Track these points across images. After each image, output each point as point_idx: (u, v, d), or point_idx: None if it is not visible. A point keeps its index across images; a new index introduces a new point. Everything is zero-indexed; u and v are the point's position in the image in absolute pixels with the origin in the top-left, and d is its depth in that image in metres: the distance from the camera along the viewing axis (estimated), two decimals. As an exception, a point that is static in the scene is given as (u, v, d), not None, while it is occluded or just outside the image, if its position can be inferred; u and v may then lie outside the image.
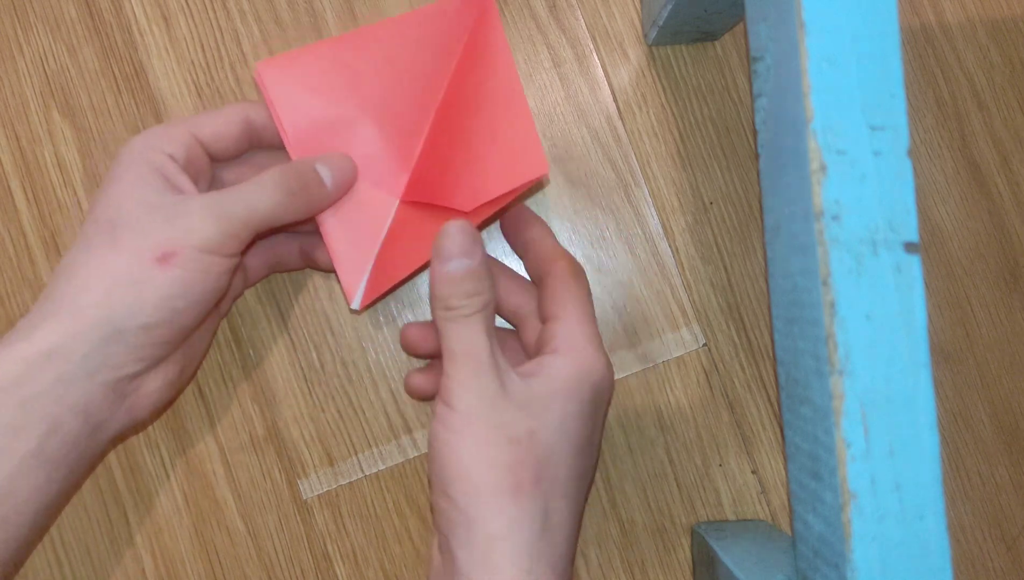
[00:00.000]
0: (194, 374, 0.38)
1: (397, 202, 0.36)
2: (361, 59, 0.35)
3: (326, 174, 0.34)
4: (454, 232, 0.31)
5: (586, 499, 0.35)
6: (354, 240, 0.36)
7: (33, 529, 0.31)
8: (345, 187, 0.35)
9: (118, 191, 0.32)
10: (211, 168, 0.35)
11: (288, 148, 0.35)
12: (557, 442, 0.30)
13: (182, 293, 0.31)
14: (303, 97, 0.35)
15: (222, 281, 0.32)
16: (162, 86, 0.40)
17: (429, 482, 0.31)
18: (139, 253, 0.30)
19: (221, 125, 0.34)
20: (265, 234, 0.35)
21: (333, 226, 0.35)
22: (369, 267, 0.36)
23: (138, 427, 0.38)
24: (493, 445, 0.30)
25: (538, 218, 0.37)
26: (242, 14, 0.40)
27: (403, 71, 0.36)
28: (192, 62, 0.40)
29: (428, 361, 0.38)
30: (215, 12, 0.40)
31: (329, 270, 0.38)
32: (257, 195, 0.32)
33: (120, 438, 0.38)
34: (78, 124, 0.40)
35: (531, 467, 0.30)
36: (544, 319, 0.34)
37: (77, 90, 0.40)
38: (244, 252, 0.33)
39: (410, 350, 0.38)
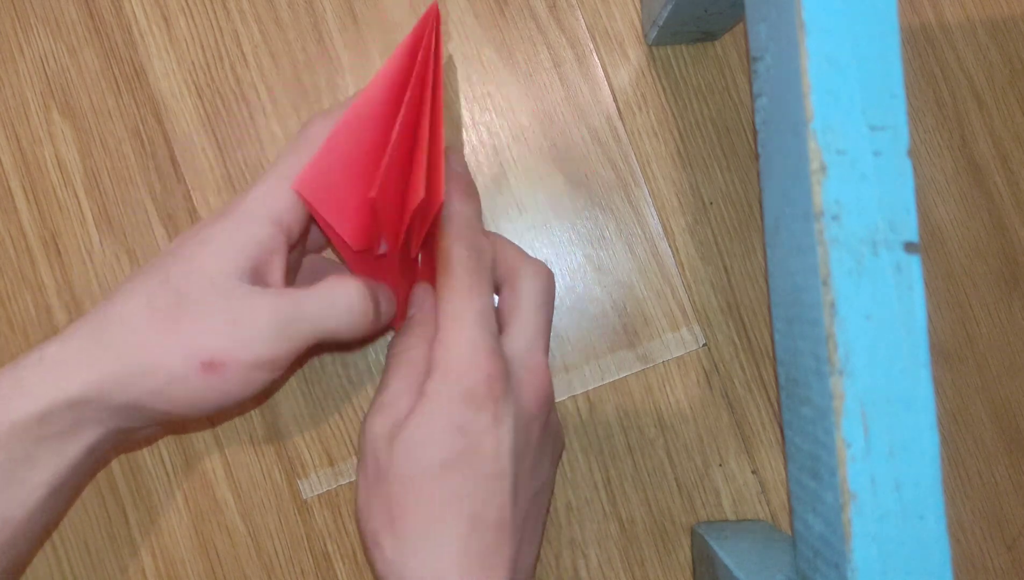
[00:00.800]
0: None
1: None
2: (371, 121, 0.32)
3: (385, 307, 0.33)
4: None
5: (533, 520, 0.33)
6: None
7: (35, 545, 0.32)
8: (390, 319, 0.34)
9: (204, 250, 0.30)
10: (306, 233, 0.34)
11: (346, 252, 0.33)
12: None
13: (216, 399, 0.30)
14: (341, 195, 0.32)
15: (262, 389, 0.31)
16: (162, 86, 0.40)
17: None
18: (187, 350, 0.29)
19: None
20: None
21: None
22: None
23: (127, 450, 0.39)
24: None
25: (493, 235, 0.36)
26: (242, 14, 0.40)
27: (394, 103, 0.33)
28: (192, 62, 0.40)
29: None
30: (215, 12, 0.40)
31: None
32: (327, 313, 0.30)
33: (103, 463, 0.39)
34: (78, 124, 0.40)
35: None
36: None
37: (77, 91, 0.40)
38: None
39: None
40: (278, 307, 0.30)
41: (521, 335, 0.32)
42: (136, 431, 0.32)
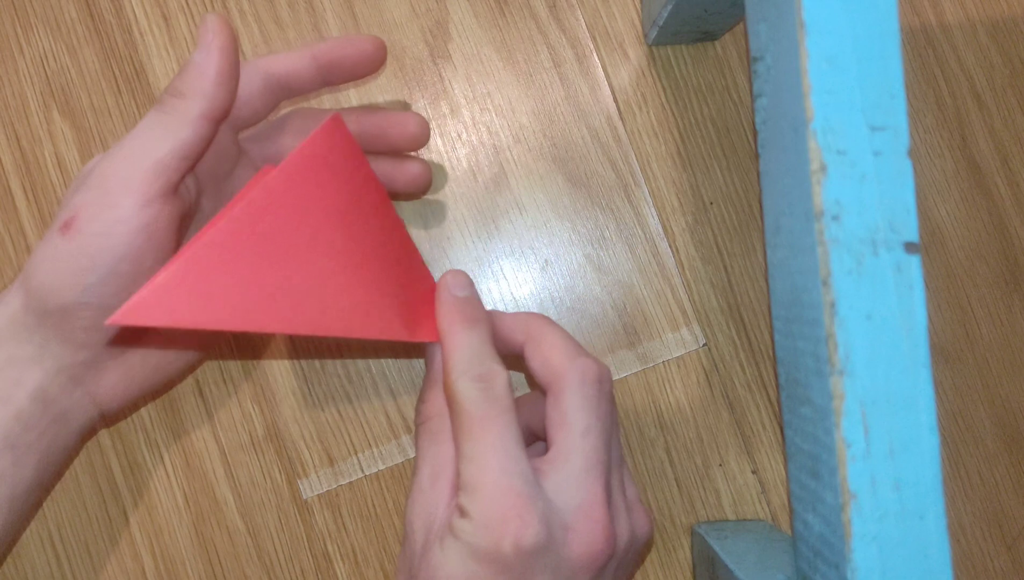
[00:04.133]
0: (185, 372, 0.37)
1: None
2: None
3: (195, 55, 0.29)
4: (458, 273, 0.32)
5: None
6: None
7: (9, 517, 0.30)
8: (222, 53, 0.29)
9: (89, 163, 0.31)
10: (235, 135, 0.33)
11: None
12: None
13: (89, 265, 0.28)
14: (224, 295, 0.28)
15: (139, 247, 0.28)
16: (162, 86, 0.40)
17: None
18: (52, 227, 0.29)
19: (294, 60, 0.32)
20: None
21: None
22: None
23: (110, 421, 0.38)
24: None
25: (552, 326, 0.32)
26: (242, 14, 0.40)
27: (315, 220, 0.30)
28: (192, 62, 0.40)
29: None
30: (215, 12, 0.40)
31: (413, 191, 0.37)
32: (142, 132, 0.29)
33: (91, 431, 0.37)
34: (78, 124, 0.40)
35: None
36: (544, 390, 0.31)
37: (77, 90, 0.40)
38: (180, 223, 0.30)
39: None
40: (113, 167, 0.29)
41: (566, 467, 0.28)
42: (80, 369, 0.30)
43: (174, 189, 0.29)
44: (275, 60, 0.32)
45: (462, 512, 0.27)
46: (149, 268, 0.29)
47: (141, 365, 0.32)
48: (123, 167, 0.29)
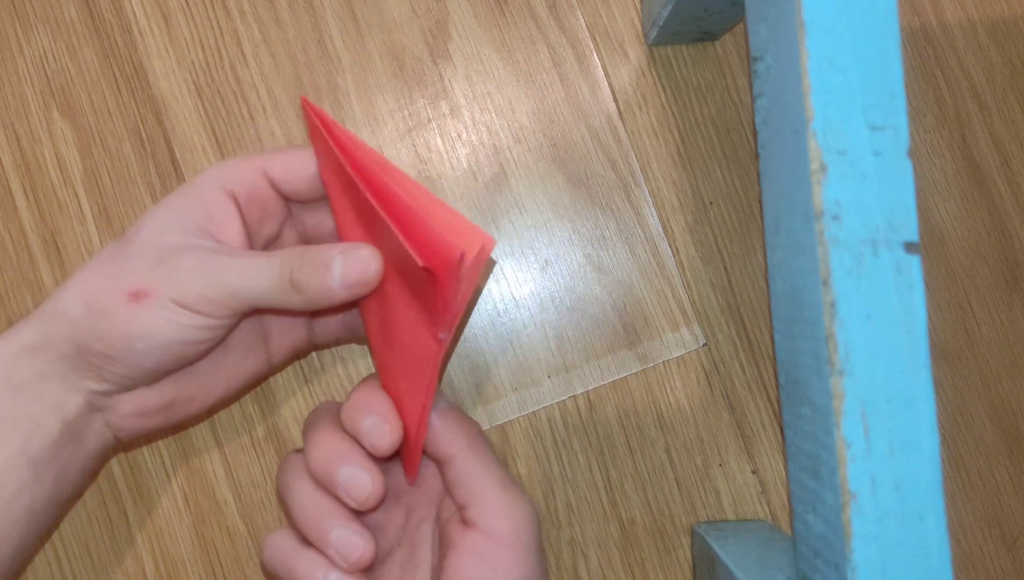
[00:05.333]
0: (209, 411, 0.38)
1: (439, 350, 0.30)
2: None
3: (338, 271, 0.30)
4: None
5: None
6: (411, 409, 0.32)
7: (27, 530, 0.31)
8: (356, 289, 0.30)
9: (155, 215, 0.31)
10: (285, 208, 0.34)
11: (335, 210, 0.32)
12: None
13: (143, 335, 0.30)
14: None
15: (198, 337, 0.31)
16: (162, 86, 0.40)
17: None
18: (119, 283, 0.30)
19: (296, 164, 0.33)
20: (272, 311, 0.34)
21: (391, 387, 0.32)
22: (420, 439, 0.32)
23: (124, 448, 0.38)
24: None
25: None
26: (242, 14, 0.40)
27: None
28: (192, 62, 0.40)
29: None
30: (215, 12, 0.40)
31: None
32: (255, 275, 0.30)
33: (106, 456, 0.37)
34: (78, 124, 0.40)
35: None
36: (457, 502, 0.33)
37: (77, 90, 0.40)
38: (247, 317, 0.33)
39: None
40: (206, 258, 0.30)
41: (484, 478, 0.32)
42: (109, 406, 0.32)
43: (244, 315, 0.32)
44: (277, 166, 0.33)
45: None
46: (201, 354, 0.32)
47: (156, 399, 0.33)
48: (209, 287, 0.30)
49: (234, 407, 0.39)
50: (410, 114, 0.40)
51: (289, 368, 0.39)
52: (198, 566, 0.38)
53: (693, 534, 0.38)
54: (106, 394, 0.32)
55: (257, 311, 0.33)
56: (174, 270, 0.30)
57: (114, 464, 0.38)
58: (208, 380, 0.34)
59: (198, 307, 0.30)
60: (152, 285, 0.30)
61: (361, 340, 0.38)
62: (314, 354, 0.39)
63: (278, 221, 0.34)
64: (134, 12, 0.40)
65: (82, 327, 0.30)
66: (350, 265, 0.30)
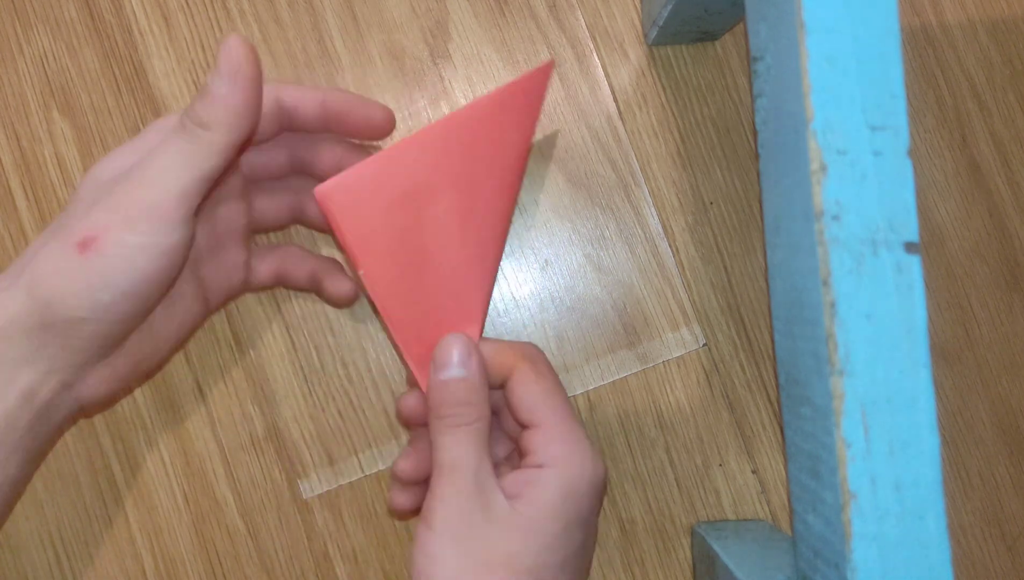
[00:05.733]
0: (159, 366, 0.38)
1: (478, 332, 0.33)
2: (436, 160, 0.32)
3: (217, 79, 0.29)
4: (452, 343, 0.31)
5: None
6: (426, 332, 0.33)
7: None
8: (241, 77, 0.29)
9: (93, 168, 0.31)
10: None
11: (357, 264, 0.32)
12: (542, 563, 0.29)
13: (105, 285, 0.29)
14: (372, 213, 0.32)
15: (156, 269, 0.29)
16: (162, 86, 0.40)
17: None
18: (66, 238, 0.29)
19: (305, 97, 0.32)
20: (210, 193, 0.32)
21: (424, 360, 0.33)
22: None
23: (88, 414, 0.38)
24: (467, 570, 0.29)
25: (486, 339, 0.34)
26: (242, 14, 0.40)
27: (482, 164, 0.33)
28: (192, 62, 0.40)
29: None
30: (215, 12, 0.40)
31: (336, 304, 0.38)
32: (172, 153, 0.29)
33: (70, 423, 0.38)
34: (78, 124, 0.40)
35: None
36: (521, 425, 0.32)
37: (77, 90, 0.40)
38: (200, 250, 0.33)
39: (406, 422, 0.37)
40: (131, 176, 0.29)
41: (558, 431, 0.32)
42: (79, 377, 0.31)
43: (194, 214, 0.30)
44: (288, 91, 0.33)
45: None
46: (163, 288, 0.31)
47: (124, 362, 0.32)
48: (148, 193, 0.29)
49: (234, 406, 0.39)
50: (410, 114, 0.40)
51: (289, 368, 0.39)
52: (198, 565, 0.38)
53: (693, 534, 0.38)
54: (81, 367, 0.31)
55: (204, 201, 0.31)
56: (111, 202, 0.29)
57: (114, 464, 0.38)
58: (161, 335, 0.33)
59: (145, 223, 0.29)
60: (96, 227, 0.29)
61: (290, 286, 0.38)
62: (314, 353, 0.39)
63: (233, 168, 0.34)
64: (134, 12, 0.40)
65: (41, 297, 0.29)
66: (221, 59, 0.29)
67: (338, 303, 0.38)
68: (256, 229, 0.37)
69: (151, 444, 0.39)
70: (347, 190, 0.32)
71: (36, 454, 0.32)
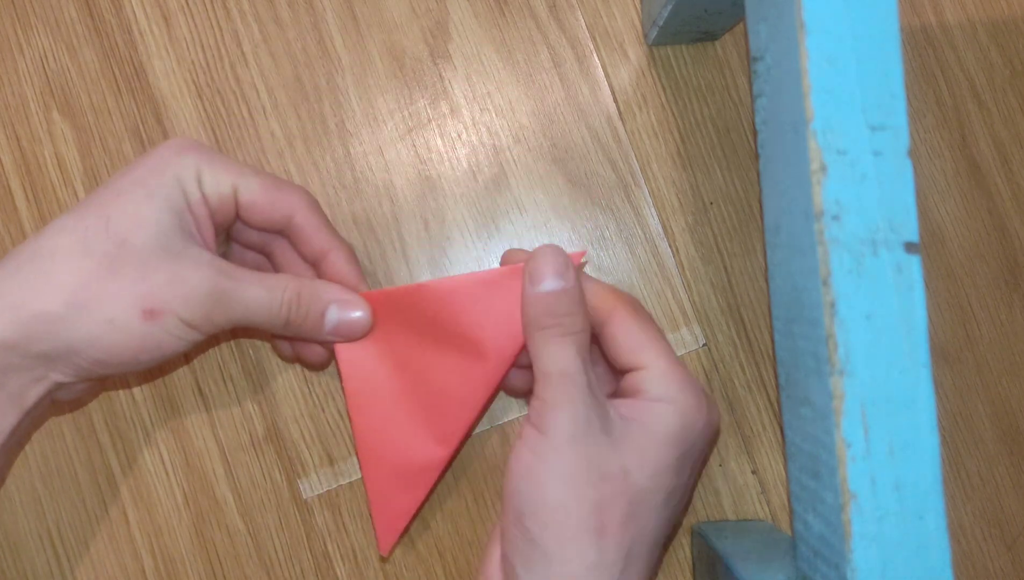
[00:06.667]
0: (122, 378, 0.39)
1: (444, 459, 0.34)
2: (443, 311, 0.33)
3: (332, 319, 0.33)
4: (548, 254, 0.31)
5: (667, 549, 0.33)
6: (396, 494, 0.34)
7: None
8: (344, 337, 0.34)
9: (141, 208, 0.30)
10: (232, 225, 0.34)
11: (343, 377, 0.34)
12: (651, 488, 0.29)
13: (151, 350, 0.31)
14: (369, 350, 0.34)
15: (190, 348, 0.32)
16: (162, 86, 0.40)
17: (504, 506, 0.29)
18: (130, 295, 0.30)
19: (269, 204, 0.33)
20: None
21: (376, 473, 0.34)
22: (406, 523, 0.35)
23: (60, 411, 0.39)
24: (582, 478, 0.28)
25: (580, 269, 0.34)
26: (242, 14, 0.40)
27: (472, 333, 0.33)
28: (192, 62, 0.40)
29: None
30: (215, 12, 0.40)
31: (309, 367, 0.39)
32: (259, 298, 0.32)
33: (46, 417, 0.38)
34: (78, 124, 0.39)
35: (620, 509, 0.28)
36: (623, 368, 0.31)
37: (77, 90, 0.40)
38: None
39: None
40: (219, 280, 0.31)
41: (675, 372, 0.32)
42: (65, 387, 0.32)
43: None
44: (308, 218, 0.34)
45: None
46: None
47: (105, 378, 0.34)
48: (222, 309, 0.31)
49: (234, 407, 0.39)
50: (410, 114, 0.40)
51: (289, 368, 0.39)
52: (197, 565, 0.38)
53: (693, 534, 0.38)
54: (71, 383, 0.32)
55: None
56: (185, 288, 0.30)
57: (114, 464, 0.38)
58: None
59: (202, 327, 0.31)
60: (164, 303, 0.30)
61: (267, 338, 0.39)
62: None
63: (223, 233, 0.34)
64: (134, 12, 0.40)
65: (76, 331, 0.29)
66: (344, 318, 0.33)
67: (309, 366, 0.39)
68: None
69: (151, 443, 0.39)
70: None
71: (15, 449, 0.33)
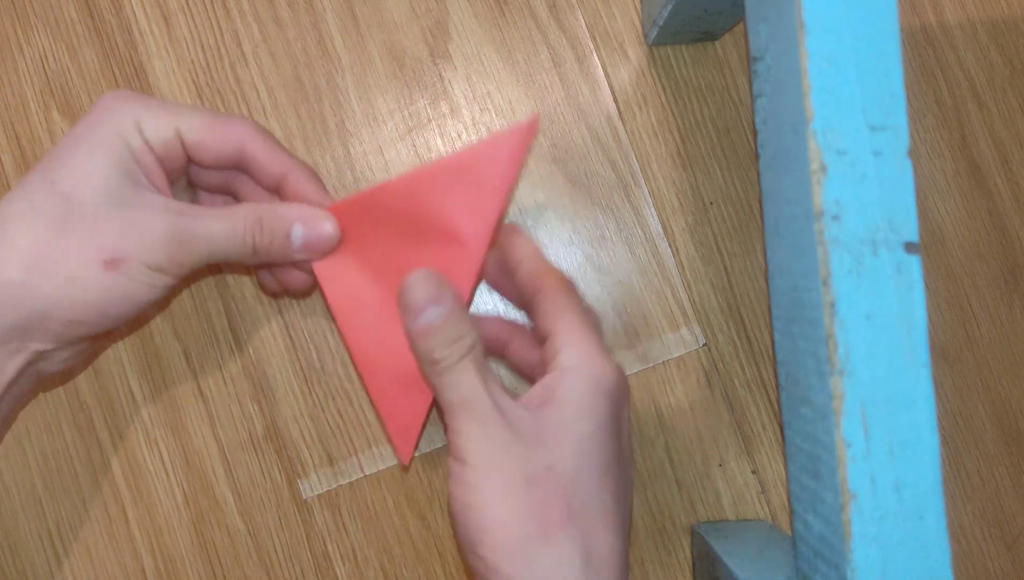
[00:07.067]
0: (115, 339, 0.39)
1: None
2: (411, 206, 0.33)
3: (298, 237, 0.33)
4: (419, 282, 0.30)
5: (630, 517, 0.33)
6: (403, 400, 0.34)
7: None
8: (315, 252, 0.34)
9: (84, 164, 0.30)
10: (187, 169, 0.34)
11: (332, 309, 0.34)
12: (580, 470, 0.29)
13: (120, 301, 0.30)
14: (348, 261, 0.34)
15: (163, 295, 0.31)
16: (162, 86, 0.40)
17: (458, 546, 0.30)
18: (87, 249, 0.29)
19: (215, 140, 0.32)
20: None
21: (379, 384, 0.34)
22: (421, 428, 0.34)
23: (47, 387, 0.38)
24: (511, 491, 0.28)
25: (526, 238, 0.35)
26: (242, 14, 0.40)
27: (460, 214, 0.33)
28: (192, 62, 0.40)
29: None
30: (215, 12, 0.40)
31: (279, 294, 0.38)
32: (220, 231, 0.31)
33: (31, 395, 0.38)
34: (78, 124, 0.40)
35: (556, 504, 0.28)
36: (541, 335, 0.32)
37: (77, 90, 0.40)
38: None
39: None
40: (176, 221, 0.31)
41: (577, 336, 0.32)
42: (46, 356, 0.31)
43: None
44: (257, 145, 0.33)
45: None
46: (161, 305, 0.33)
47: (88, 343, 0.33)
48: (183, 251, 0.31)
49: (234, 406, 0.39)
50: (410, 114, 0.40)
51: (289, 368, 0.39)
52: (197, 564, 0.38)
53: (693, 534, 0.38)
54: (51, 351, 0.31)
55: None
56: (142, 234, 0.30)
57: (114, 464, 0.38)
58: (121, 317, 0.34)
59: (169, 270, 0.31)
60: (123, 251, 0.30)
61: (236, 271, 0.39)
62: (314, 353, 0.39)
63: (179, 181, 0.34)
64: (134, 12, 0.40)
65: (43, 296, 0.29)
66: (311, 234, 0.33)
67: (292, 293, 0.38)
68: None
69: (151, 443, 0.39)
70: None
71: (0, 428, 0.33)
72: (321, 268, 0.34)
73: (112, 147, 0.30)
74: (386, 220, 0.33)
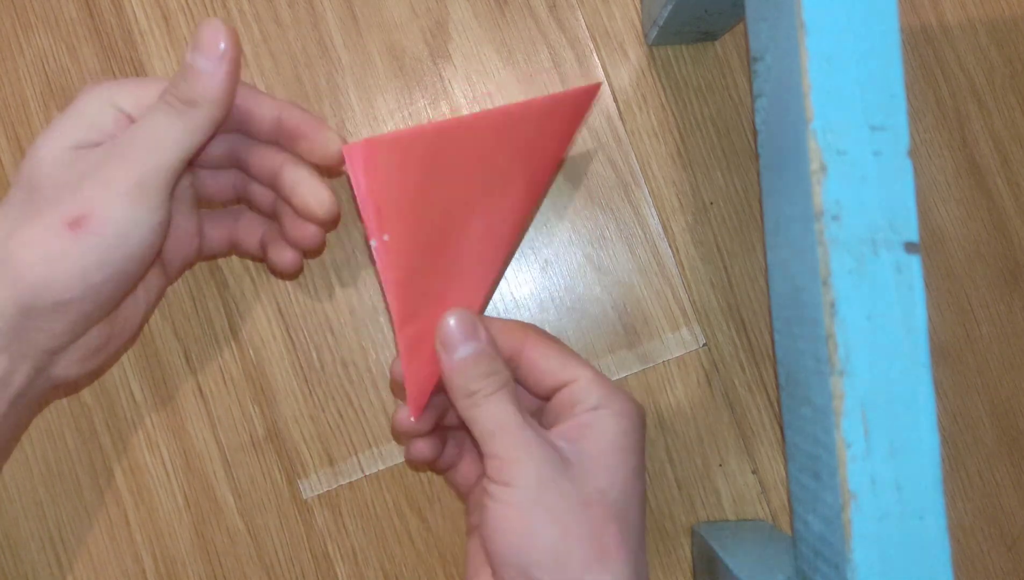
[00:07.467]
0: (132, 341, 0.38)
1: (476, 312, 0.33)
2: (469, 148, 0.32)
3: (200, 55, 0.29)
4: (453, 321, 0.31)
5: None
6: (430, 356, 0.32)
7: None
8: (226, 54, 0.29)
9: (46, 144, 0.30)
10: None
11: (370, 231, 0.31)
12: (627, 496, 0.29)
13: (98, 264, 0.29)
14: (395, 182, 0.31)
15: (146, 245, 0.30)
16: (162, 86, 0.40)
17: (495, 566, 0.29)
18: (52, 219, 0.28)
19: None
20: (190, 168, 0.33)
21: (410, 334, 0.32)
22: (436, 385, 0.33)
23: (59, 394, 0.38)
24: (567, 514, 0.28)
25: (478, 317, 0.33)
26: (242, 14, 0.40)
27: (516, 164, 0.33)
28: (192, 62, 0.40)
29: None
30: (215, 12, 0.40)
31: (279, 274, 0.38)
32: (163, 134, 0.29)
33: (43, 404, 0.38)
34: (78, 124, 0.39)
35: (613, 528, 0.28)
36: (549, 390, 0.32)
37: (77, 90, 0.40)
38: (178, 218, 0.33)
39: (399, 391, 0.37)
40: (116, 153, 0.29)
41: (598, 380, 0.32)
42: (55, 359, 0.31)
43: (175, 189, 0.31)
44: (246, 94, 0.32)
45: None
46: (148, 265, 0.31)
47: (95, 342, 0.32)
48: (137, 170, 0.29)
49: (234, 407, 0.39)
50: (410, 114, 0.40)
51: (289, 368, 0.39)
52: (198, 565, 0.38)
53: (693, 534, 0.38)
54: (57, 350, 0.31)
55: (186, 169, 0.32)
56: (99, 179, 0.29)
57: (114, 464, 0.38)
58: (129, 310, 0.34)
59: (137, 199, 0.29)
60: (84, 207, 0.28)
61: (243, 253, 0.38)
62: (314, 353, 0.39)
63: None
64: (134, 12, 0.40)
65: (28, 282, 0.28)
66: (205, 38, 0.29)
67: (281, 273, 0.38)
68: (202, 202, 0.37)
69: (151, 445, 0.39)
70: (376, 153, 0.30)
71: (11, 437, 0.32)
72: (380, 191, 0.31)
73: (74, 126, 0.30)
74: (453, 156, 0.32)
